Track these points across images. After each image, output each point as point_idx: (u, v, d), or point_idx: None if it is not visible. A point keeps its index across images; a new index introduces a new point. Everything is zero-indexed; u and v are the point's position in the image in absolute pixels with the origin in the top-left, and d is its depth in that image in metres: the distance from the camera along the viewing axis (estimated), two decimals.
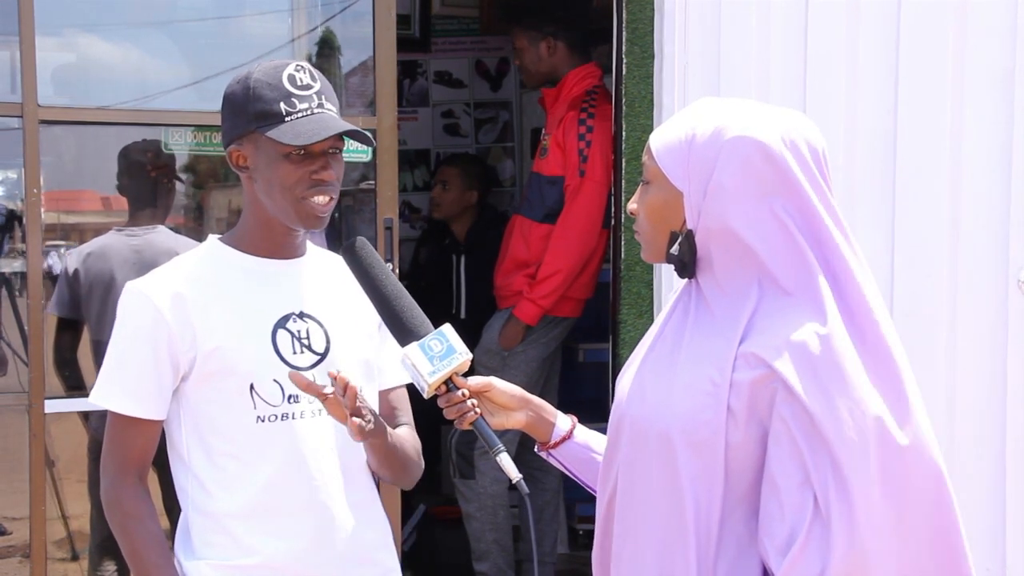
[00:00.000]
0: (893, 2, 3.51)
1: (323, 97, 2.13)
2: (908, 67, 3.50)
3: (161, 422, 2.18)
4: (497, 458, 1.91)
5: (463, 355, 1.93)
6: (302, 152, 2.09)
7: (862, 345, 1.69)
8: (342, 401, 1.97)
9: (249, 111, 2.10)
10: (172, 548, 2.22)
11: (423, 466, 2.33)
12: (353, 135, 2.13)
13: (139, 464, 2.17)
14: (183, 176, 4.79)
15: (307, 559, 2.16)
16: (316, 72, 2.16)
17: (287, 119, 2.08)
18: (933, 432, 1.72)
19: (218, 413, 2.14)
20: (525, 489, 1.89)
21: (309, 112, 2.09)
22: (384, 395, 2.33)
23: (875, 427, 1.65)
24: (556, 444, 2.03)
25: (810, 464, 1.64)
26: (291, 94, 2.09)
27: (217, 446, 2.15)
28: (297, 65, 2.14)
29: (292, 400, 2.15)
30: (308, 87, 2.11)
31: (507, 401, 2.00)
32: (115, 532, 2.18)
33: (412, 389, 2.06)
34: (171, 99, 4.39)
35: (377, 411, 2.27)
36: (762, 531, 1.68)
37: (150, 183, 4.17)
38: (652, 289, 3.99)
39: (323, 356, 2.18)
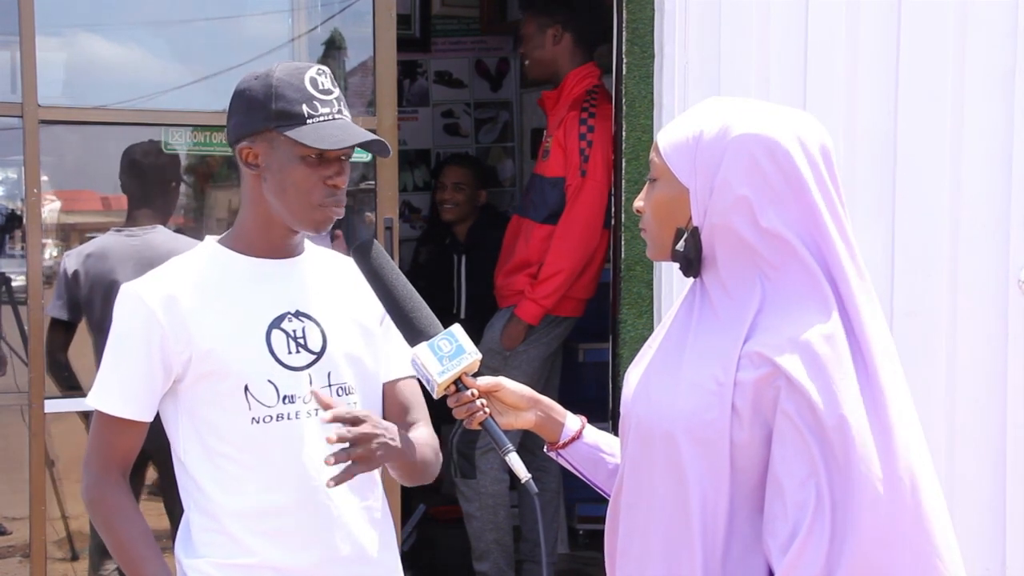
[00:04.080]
0: (893, 2, 3.52)
1: (342, 104, 2.14)
2: (908, 67, 3.50)
3: (148, 423, 2.18)
4: (506, 458, 1.91)
5: (472, 355, 1.93)
6: (318, 156, 2.10)
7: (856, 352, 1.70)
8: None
9: (270, 109, 2.09)
10: (168, 546, 2.22)
11: (441, 461, 2.32)
12: (374, 146, 2.14)
13: (122, 462, 2.18)
14: (184, 176, 4.78)
15: (307, 558, 2.16)
16: (334, 78, 2.18)
17: (309, 122, 2.08)
18: (924, 450, 1.70)
19: (214, 415, 2.14)
20: (534, 488, 1.90)
21: (330, 117, 2.10)
22: (392, 388, 2.31)
23: (865, 428, 1.65)
24: (565, 444, 2.03)
25: (816, 455, 1.64)
26: (314, 97, 2.10)
27: (215, 447, 2.15)
28: (319, 68, 2.15)
29: (287, 401, 2.14)
30: (329, 92, 2.12)
31: (516, 401, 2.00)
32: (99, 528, 2.19)
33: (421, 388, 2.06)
34: (171, 99, 4.40)
35: (383, 408, 2.27)
36: (766, 531, 1.69)
37: (153, 183, 4.17)
38: (652, 289, 3.98)
39: (319, 355, 2.18)
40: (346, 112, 2.15)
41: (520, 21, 4.99)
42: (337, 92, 2.14)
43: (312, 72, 2.12)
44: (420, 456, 2.21)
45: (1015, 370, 3.39)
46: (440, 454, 2.32)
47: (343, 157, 2.13)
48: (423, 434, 2.28)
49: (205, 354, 2.11)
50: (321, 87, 2.11)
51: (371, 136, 2.13)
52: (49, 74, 4.15)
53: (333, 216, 2.13)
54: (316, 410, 2.15)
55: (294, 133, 2.07)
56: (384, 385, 2.30)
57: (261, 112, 2.10)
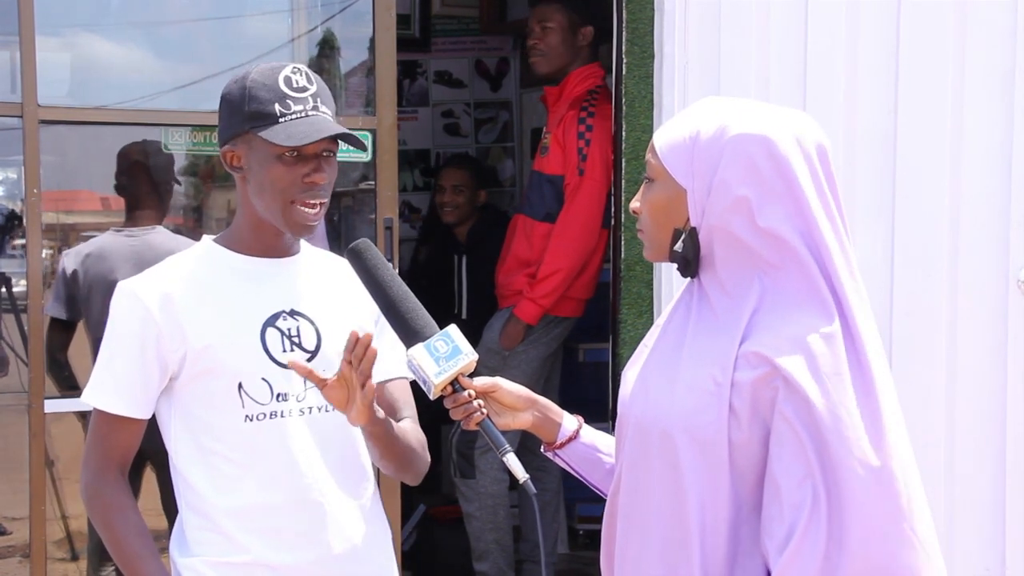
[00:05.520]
0: (893, 2, 3.51)
1: (319, 100, 2.13)
2: (908, 67, 3.50)
3: (145, 420, 2.19)
4: (504, 458, 1.91)
5: (469, 355, 1.93)
6: (295, 154, 2.09)
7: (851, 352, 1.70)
8: (353, 374, 1.95)
9: (244, 111, 2.10)
10: (166, 545, 2.22)
11: (429, 460, 2.31)
12: (346, 139, 2.14)
13: (121, 460, 2.18)
14: (182, 177, 4.78)
15: (300, 557, 2.16)
16: (313, 75, 2.17)
17: (281, 120, 2.08)
18: (910, 450, 1.70)
19: (208, 413, 2.15)
20: (532, 489, 1.89)
21: (303, 114, 2.10)
22: (382, 387, 2.30)
23: (861, 429, 1.65)
24: (562, 444, 2.03)
25: (812, 457, 1.64)
26: (286, 95, 2.09)
27: (209, 446, 2.15)
28: (294, 67, 2.14)
29: (280, 399, 2.15)
30: (304, 89, 2.11)
31: (513, 401, 2.00)
32: (97, 525, 2.19)
33: (417, 389, 2.06)
34: (171, 99, 4.40)
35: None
36: (764, 531, 1.69)
37: (148, 183, 4.17)
38: (652, 289, 3.99)
39: (314, 353, 2.18)
40: (324, 108, 2.13)
41: (541, 10, 4.75)
42: (314, 89, 2.13)
43: (287, 71, 2.12)
44: (403, 439, 2.18)
45: (1015, 370, 3.39)
46: (427, 449, 2.31)
47: (324, 154, 2.12)
48: (409, 427, 2.27)
49: (200, 351, 2.12)
50: (295, 85, 2.11)
51: (341, 129, 2.12)
52: (49, 74, 4.15)
53: (311, 216, 2.12)
54: (308, 408, 2.16)
55: (266, 133, 2.07)
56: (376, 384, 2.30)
57: (238, 115, 2.11)
